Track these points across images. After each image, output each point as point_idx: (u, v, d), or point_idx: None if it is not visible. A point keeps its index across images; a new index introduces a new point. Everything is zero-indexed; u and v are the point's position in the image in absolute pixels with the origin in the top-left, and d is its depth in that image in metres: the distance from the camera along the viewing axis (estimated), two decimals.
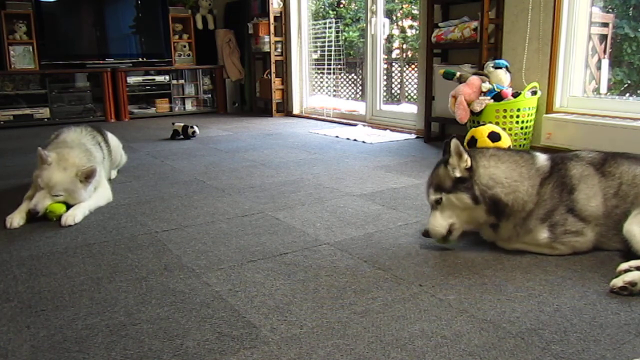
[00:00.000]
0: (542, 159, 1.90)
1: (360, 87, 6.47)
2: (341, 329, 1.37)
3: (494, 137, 3.17)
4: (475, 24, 3.78)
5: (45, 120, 5.76)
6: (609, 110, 3.34)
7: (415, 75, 5.50)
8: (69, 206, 2.36)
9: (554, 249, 1.82)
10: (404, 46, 6.61)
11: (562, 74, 3.55)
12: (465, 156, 1.80)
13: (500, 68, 3.53)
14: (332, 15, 6.62)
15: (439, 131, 4.42)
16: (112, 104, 6.11)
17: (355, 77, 6.64)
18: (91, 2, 6.15)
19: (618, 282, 1.53)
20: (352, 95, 6.60)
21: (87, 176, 2.39)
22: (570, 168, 1.85)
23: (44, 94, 5.76)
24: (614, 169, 1.85)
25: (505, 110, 3.45)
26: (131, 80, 6.19)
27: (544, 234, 1.80)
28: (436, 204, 1.85)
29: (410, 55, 6.46)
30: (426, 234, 1.87)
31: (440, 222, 1.84)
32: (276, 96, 6.28)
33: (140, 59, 6.37)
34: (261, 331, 1.37)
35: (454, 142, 1.81)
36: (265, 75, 6.38)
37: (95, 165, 2.44)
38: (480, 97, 3.50)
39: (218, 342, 1.32)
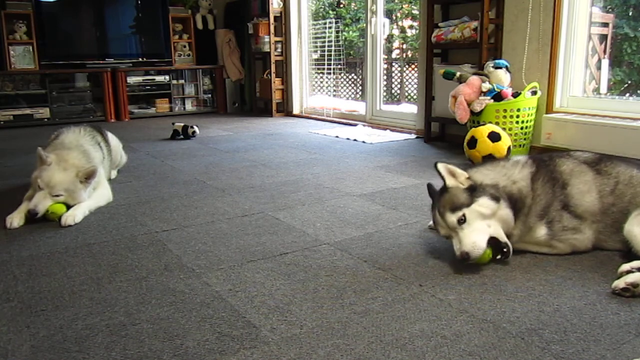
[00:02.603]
0: (516, 157, 1.93)
1: (360, 87, 6.47)
2: (341, 329, 1.37)
3: (494, 137, 3.18)
4: (475, 24, 3.78)
5: (45, 120, 5.76)
6: (609, 110, 3.34)
7: (415, 75, 5.50)
8: (68, 206, 2.36)
9: (553, 247, 1.82)
10: (404, 46, 6.61)
11: (562, 74, 3.54)
12: (459, 170, 1.79)
13: (500, 68, 3.53)
14: (332, 15, 6.62)
15: (439, 131, 4.42)
16: (112, 104, 6.11)
17: (355, 77, 6.64)
18: (91, 2, 6.15)
19: (620, 283, 1.53)
20: (352, 95, 6.60)
21: (88, 177, 2.40)
22: (560, 164, 1.87)
23: (44, 94, 5.76)
24: (610, 169, 1.85)
25: (505, 110, 3.45)
26: (131, 80, 6.18)
27: (542, 231, 1.81)
28: (460, 223, 1.71)
29: (410, 55, 6.46)
30: (465, 256, 1.67)
31: (475, 237, 1.68)
32: (276, 96, 6.28)
33: (140, 59, 6.37)
34: (261, 331, 1.37)
35: (442, 166, 1.79)
36: (265, 75, 6.38)
37: (96, 166, 2.44)
38: (480, 97, 3.50)
39: (218, 342, 1.32)
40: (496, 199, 1.74)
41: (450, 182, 1.78)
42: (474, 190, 1.75)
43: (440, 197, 1.80)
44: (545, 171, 1.84)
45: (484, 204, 1.72)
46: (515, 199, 1.78)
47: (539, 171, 1.84)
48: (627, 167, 1.85)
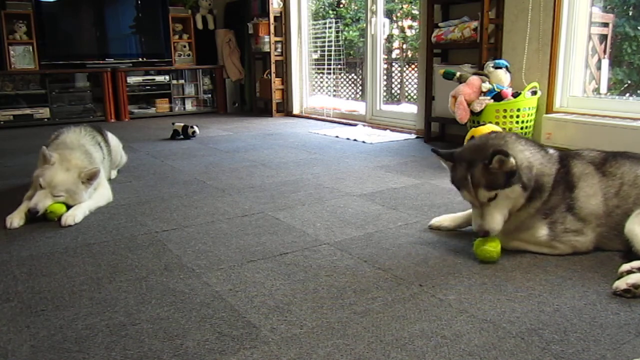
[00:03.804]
0: (550, 149, 1.90)
1: (360, 87, 6.47)
2: (341, 329, 1.37)
3: None
4: (475, 24, 3.78)
5: (45, 120, 5.76)
6: (609, 110, 3.34)
7: (415, 75, 5.50)
8: (68, 206, 2.36)
9: (554, 248, 1.82)
10: (404, 46, 6.61)
11: (562, 74, 3.54)
12: (512, 160, 1.71)
13: (500, 68, 3.53)
14: (332, 15, 6.62)
15: (439, 131, 4.42)
16: (112, 104, 6.10)
17: (355, 77, 6.64)
18: (91, 2, 6.15)
19: (621, 284, 1.52)
20: (352, 95, 6.60)
21: (90, 178, 2.40)
22: (572, 166, 1.85)
23: (44, 94, 5.76)
24: (615, 169, 1.84)
25: (505, 110, 3.45)
26: (131, 80, 6.18)
27: (543, 231, 1.80)
28: (489, 201, 1.74)
29: (410, 55, 6.46)
30: (486, 234, 1.74)
31: (498, 217, 1.74)
32: (276, 96, 6.28)
33: (140, 59, 6.37)
34: (261, 331, 1.37)
35: (499, 158, 1.69)
36: (265, 75, 6.38)
37: (98, 167, 2.45)
38: (480, 97, 3.50)
39: (218, 342, 1.32)
40: (525, 187, 1.74)
41: (495, 167, 1.72)
42: (512, 176, 1.72)
43: (475, 167, 1.74)
44: (563, 172, 1.83)
45: (515, 190, 1.73)
46: (540, 187, 1.78)
47: (559, 172, 1.83)
48: (632, 166, 1.84)
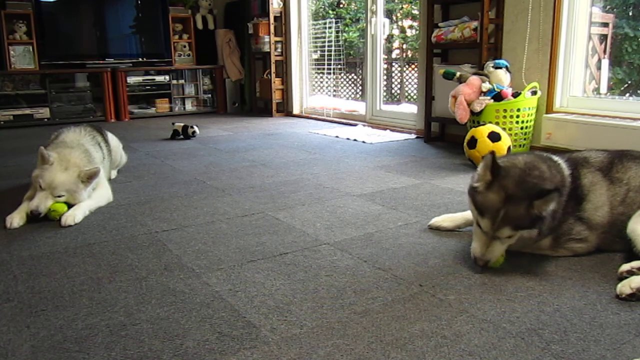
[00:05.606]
0: (565, 171, 1.77)
1: (360, 87, 6.47)
2: (341, 329, 1.37)
3: (494, 137, 3.18)
4: (475, 24, 3.78)
5: (45, 120, 5.76)
6: (609, 110, 3.34)
7: (415, 75, 5.50)
8: (69, 205, 2.36)
9: (555, 252, 1.81)
10: (404, 46, 6.61)
11: (562, 74, 3.54)
12: (551, 206, 1.62)
13: (500, 68, 3.53)
14: (332, 15, 6.62)
15: (439, 131, 4.42)
16: (112, 104, 6.11)
17: (355, 77, 6.64)
18: (91, 2, 6.15)
19: (625, 289, 1.50)
20: (352, 95, 6.60)
21: (90, 177, 2.40)
22: (582, 176, 1.80)
23: (44, 94, 5.76)
24: (621, 175, 1.81)
25: (505, 110, 3.45)
26: (131, 80, 6.18)
27: (547, 241, 1.79)
28: (503, 237, 1.68)
29: (410, 55, 6.46)
30: (484, 264, 1.69)
31: (501, 250, 1.70)
32: (276, 96, 6.28)
33: (140, 59, 6.37)
34: (261, 331, 1.37)
35: (542, 204, 1.60)
36: (265, 75, 6.38)
37: (98, 167, 2.45)
38: (480, 97, 3.50)
39: (218, 342, 1.32)
40: (541, 233, 1.69)
41: (536, 212, 1.63)
42: (539, 221, 1.62)
43: (513, 204, 1.60)
44: (573, 187, 1.77)
45: (533, 233, 1.66)
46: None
47: (570, 190, 1.77)
48: (638, 171, 1.81)
